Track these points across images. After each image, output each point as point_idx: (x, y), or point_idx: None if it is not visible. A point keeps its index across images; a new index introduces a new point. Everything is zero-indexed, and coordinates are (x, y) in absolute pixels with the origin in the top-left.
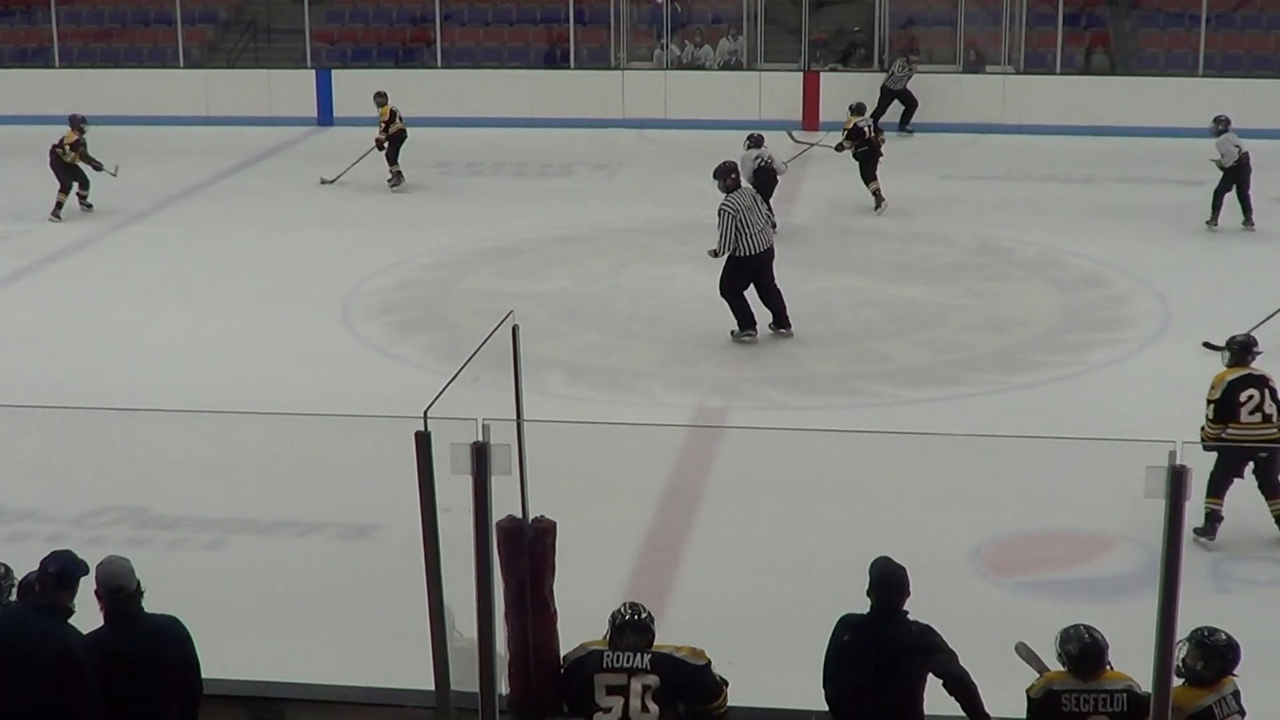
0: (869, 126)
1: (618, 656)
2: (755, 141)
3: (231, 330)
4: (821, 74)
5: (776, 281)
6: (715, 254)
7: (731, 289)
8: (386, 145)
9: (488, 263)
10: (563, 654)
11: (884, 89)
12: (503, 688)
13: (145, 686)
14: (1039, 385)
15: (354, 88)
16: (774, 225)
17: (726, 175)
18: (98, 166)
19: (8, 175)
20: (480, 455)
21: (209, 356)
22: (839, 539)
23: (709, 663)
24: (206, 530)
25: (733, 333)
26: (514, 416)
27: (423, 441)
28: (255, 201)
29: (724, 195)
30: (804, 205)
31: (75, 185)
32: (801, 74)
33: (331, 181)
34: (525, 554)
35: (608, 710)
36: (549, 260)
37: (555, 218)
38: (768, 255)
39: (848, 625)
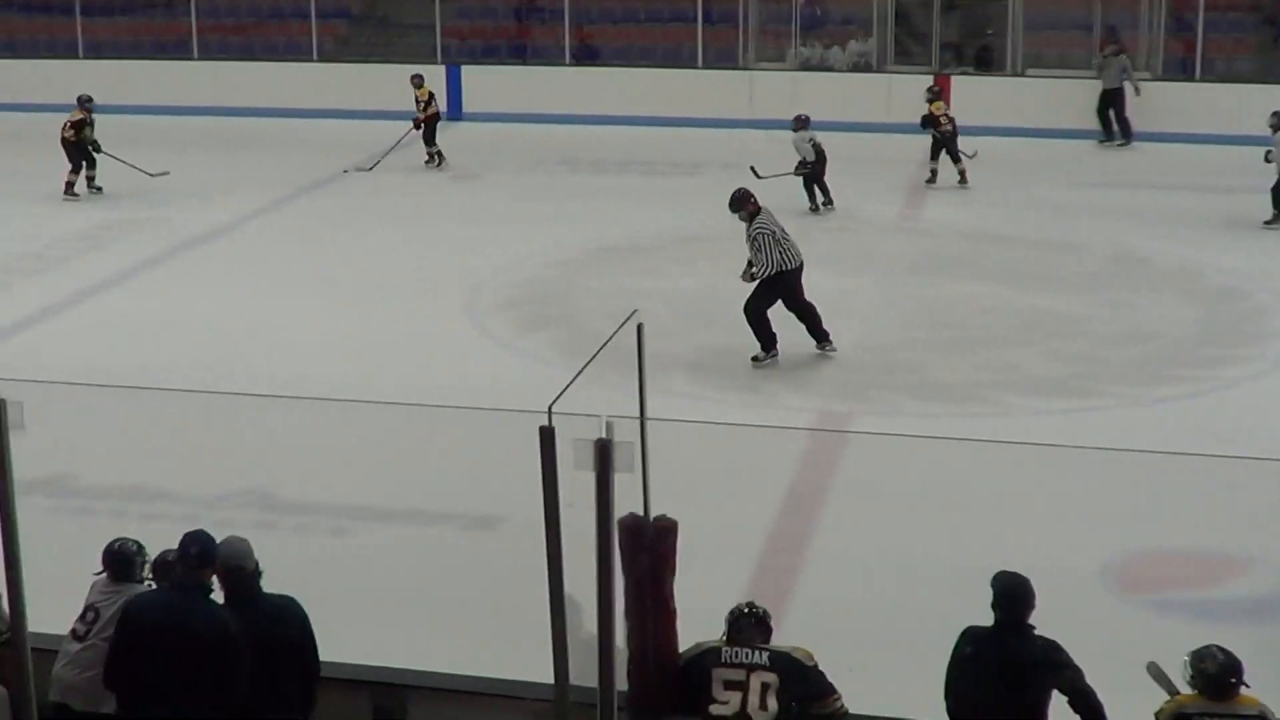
0: (946, 115)
1: (736, 652)
2: (804, 122)
3: (359, 321)
4: (952, 77)
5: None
6: (754, 276)
7: (759, 309)
8: (423, 128)
9: (614, 260)
10: (680, 653)
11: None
12: (621, 684)
13: (262, 666)
14: (1173, 400)
15: (483, 84)
16: None
17: (745, 203)
18: (96, 148)
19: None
20: (604, 452)
21: (337, 346)
22: (962, 549)
23: (816, 664)
24: (332, 517)
25: (756, 358)
26: (637, 414)
27: (547, 436)
28: (385, 195)
29: (748, 223)
30: (933, 209)
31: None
32: (931, 77)
33: (369, 170)
34: (646, 552)
35: (724, 704)
36: (675, 259)
37: (682, 217)
38: (801, 269)
39: (971, 637)
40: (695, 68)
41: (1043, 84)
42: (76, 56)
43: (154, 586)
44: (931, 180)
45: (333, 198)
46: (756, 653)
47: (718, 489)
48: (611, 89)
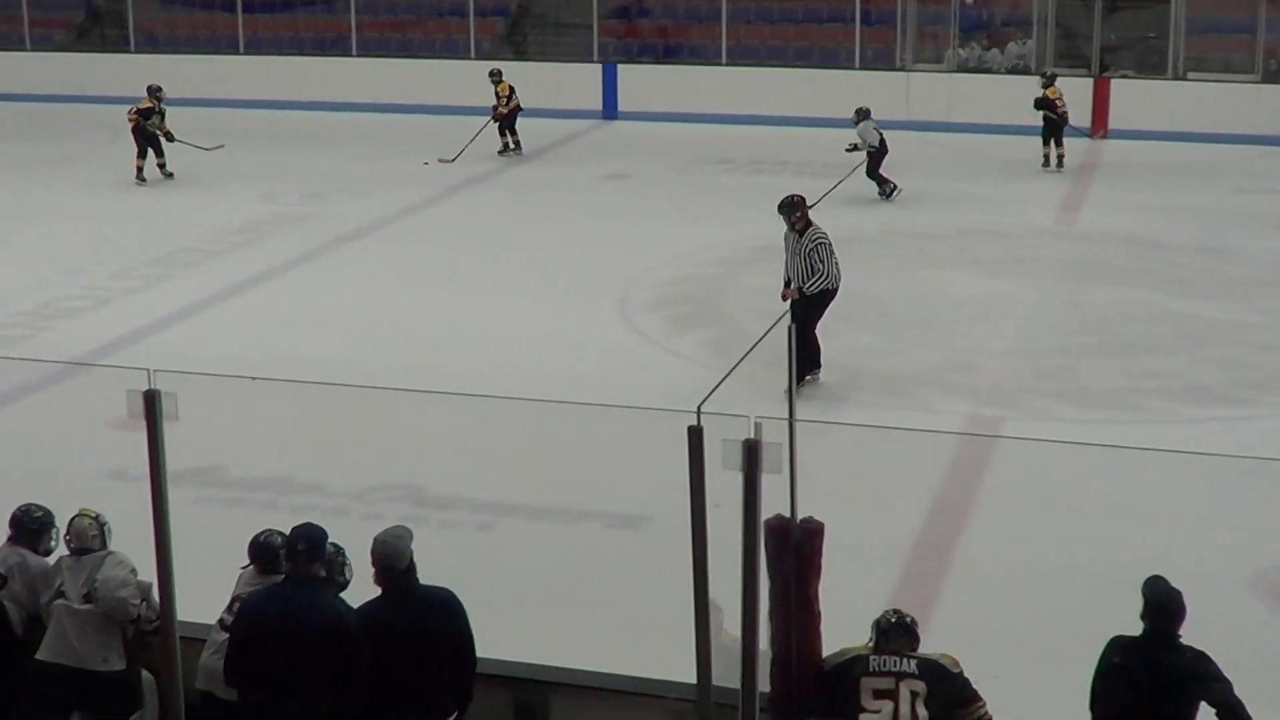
0: (1061, 99)
1: (884, 661)
2: (865, 114)
3: (510, 317)
4: (1112, 80)
5: None
6: (800, 292)
7: (811, 328)
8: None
9: (766, 260)
10: (823, 657)
11: None
12: (764, 686)
13: (419, 659)
14: None
15: (638, 82)
16: None
17: (795, 210)
18: (169, 138)
19: (307, 159)
20: (752, 452)
21: (488, 342)
22: (1110, 557)
23: (962, 670)
24: (479, 512)
25: (805, 379)
26: (786, 415)
27: (695, 436)
28: (540, 192)
29: (799, 233)
30: (1090, 214)
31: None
32: (1092, 80)
33: (451, 161)
34: (792, 554)
35: (875, 712)
36: None
37: (835, 218)
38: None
39: (1119, 647)
40: (852, 68)
41: (1205, 88)
42: (237, 52)
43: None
44: (1047, 165)
45: (486, 195)
46: (905, 661)
47: (865, 492)
48: (767, 89)
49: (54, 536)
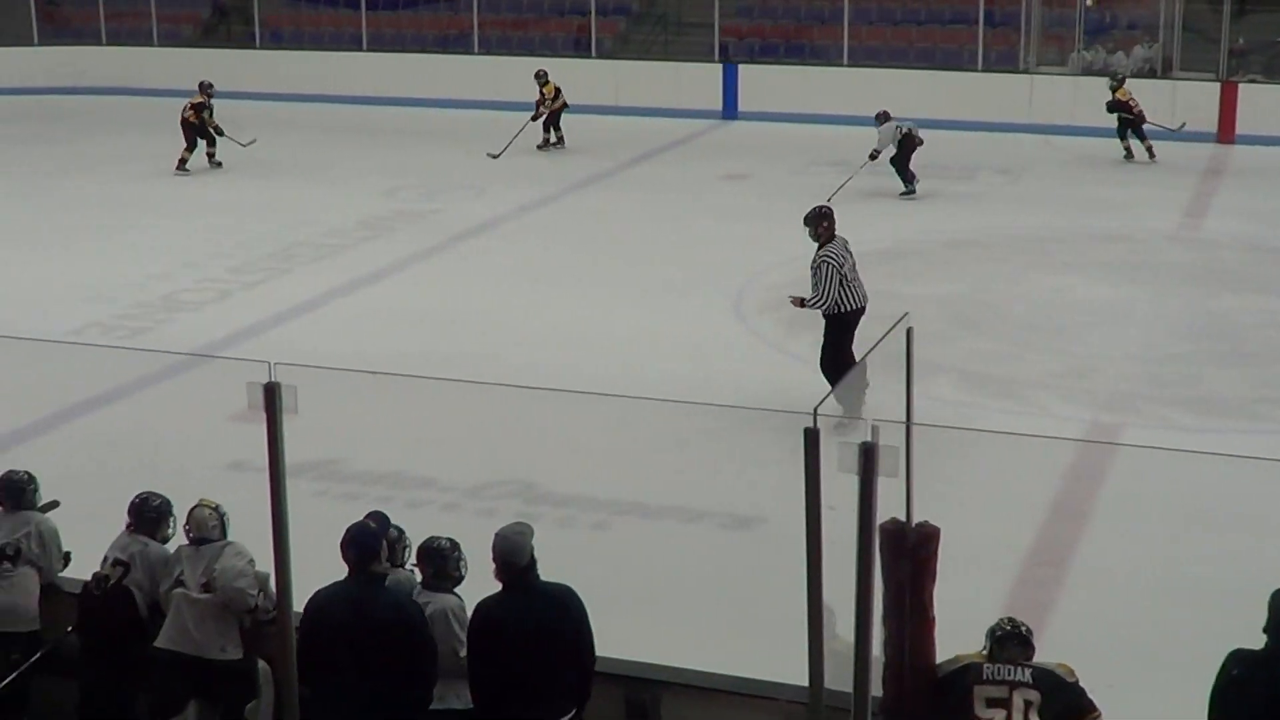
0: (1133, 99)
1: (998, 669)
2: (885, 116)
3: (626, 316)
4: (1240, 84)
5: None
6: (803, 304)
7: (837, 360)
8: (545, 116)
9: (883, 263)
10: (937, 663)
11: None
12: (876, 691)
13: (538, 655)
14: None
15: (759, 82)
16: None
17: (820, 222)
18: (218, 131)
19: (427, 156)
20: (868, 455)
21: (603, 341)
22: (1232, 570)
23: (1077, 680)
24: (594, 510)
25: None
26: (903, 419)
27: (811, 438)
28: (657, 192)
29: (818, 246)
30: (1215, 219)
31: (204, 143)
32: (1219, 84)
33: (496, 156)
34: (907, 558)
35: None
36: (945, 263)
37: (954, 221)
38: (863, 312)
39: (1239, 660)
40: (975, 70)
41: None
42: (360, 49)
43: (414, 570)
44: (1130, 157)
45: (604, 193)
46: (1019, 669)
47: (981, 498)
48: (887, 90)
49: (172, 524)
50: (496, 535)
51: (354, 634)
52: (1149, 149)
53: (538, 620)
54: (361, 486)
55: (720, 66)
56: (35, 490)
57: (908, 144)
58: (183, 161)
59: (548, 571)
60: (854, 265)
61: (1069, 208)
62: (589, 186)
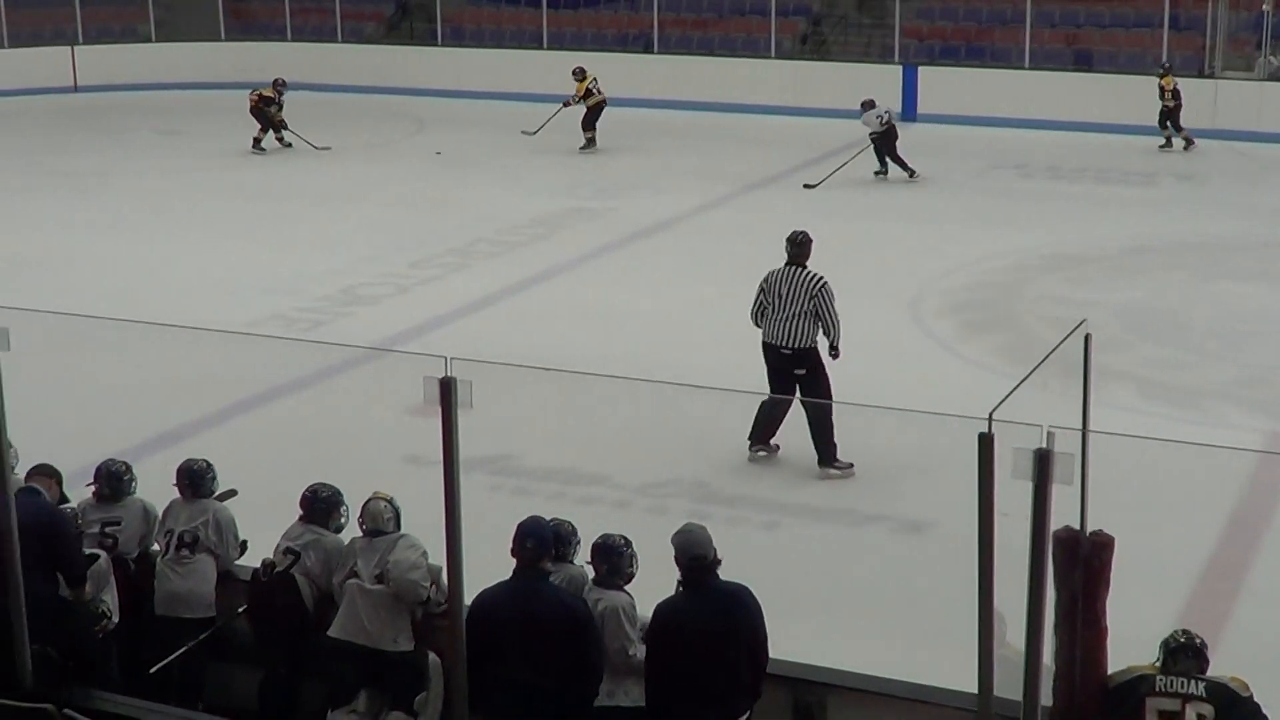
0: (1173, 90)
1: (1171, 681)
2: (869, 104)
3: None
4: None
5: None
6: (835, 353)
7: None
8: (584, 111)
9: (1062, 268)
10: (1108, 673)
11: None
12: (1046, 700)
13: (718, 655)
14: None
15: (939, 84)
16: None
17: (809, 246)
18: (283, 125)
19: (605, 154)
20: (1043, 462)
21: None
22: None
23: (1251, 694)
24: (764, 511)
25: (837, 465)
26: (1079, 426)
27: (986, 444)
28: (835, 193)
29: (808, 272)
30: None
31: (271, 130)
32: None
33: (533, 134)
34: (1080, 567)
35: None
36: (1125, 270)
37: (1134, 226)
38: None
39: None
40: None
41: None
42: (540, 47)
43: (586, 566)
44: (1167, 145)
45: (781, 194)
46: (1192, 682)
47: (1157, 508)
48: (1068, 93)
49: (344, 515)
50: (681, 532)
51: (520, 631)
52: (1186, 140)
53: (719, 620)
54: (534, 482)
55: (900, 68)
56: (213, 479)
57: (891, 132)
58: (257, 141)
59: (720, 571)
60: None
61: (1252, 214)
62: (765, 187)
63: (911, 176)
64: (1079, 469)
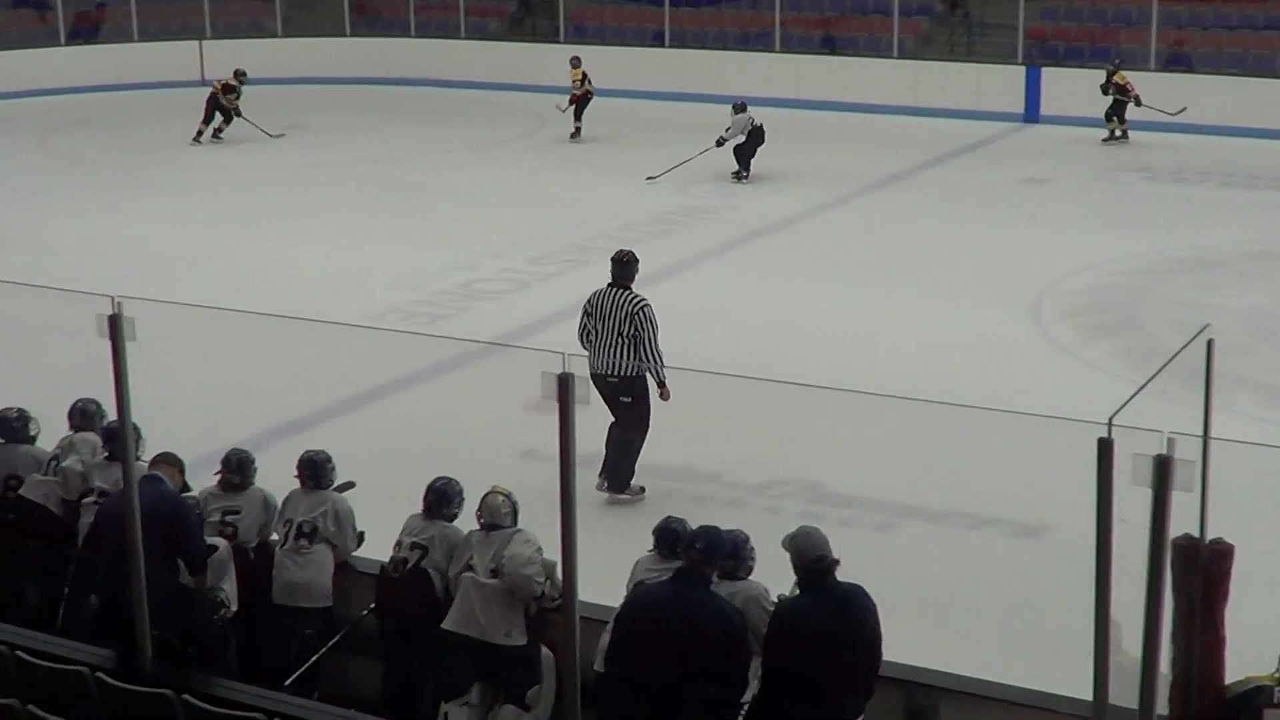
0: (1129, 84)
1: None
2: (741, 107)
3: (918, 318)
4: None
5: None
6: (662, 388)
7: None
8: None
9: (1186, 272)
10: (1226, 683)
11: None
12: (1162, 709)
13: (837, 654)
14: None
15: (1062, 86)
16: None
17: (636, 266)
18: (237, 112)
19: (724, 153)
20: (1163, 469)
21: (894, 343)
22: None
23: None
24: (878, 512)
25: (628, 490)
26: (1200, 433)
27: (1105, 449)
28: (954, 194)
29: (632, 294)
30: None
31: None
32: None
33: (564, 111)
34: (1199, 575)
35: None
36: (1249, 275)
37: (1261, 230)
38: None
39: None
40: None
41: None
42: (662, 45)
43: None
44: (1116, 136)
45: (900, 194)
46: None
47: (1278, 516)
48: (1196, 96)
49: (460, 506)
50: (799, 535)
51: (676, 634)
52: (1124, 132)
53: (838, 621)
54: (649, 479)
55: (1023, 69)
56: (333, 470)
57: (756, 136)
58: (199, 133)
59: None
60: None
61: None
62: (886, 187)
63: (740, 177)
64: (1199, 476)
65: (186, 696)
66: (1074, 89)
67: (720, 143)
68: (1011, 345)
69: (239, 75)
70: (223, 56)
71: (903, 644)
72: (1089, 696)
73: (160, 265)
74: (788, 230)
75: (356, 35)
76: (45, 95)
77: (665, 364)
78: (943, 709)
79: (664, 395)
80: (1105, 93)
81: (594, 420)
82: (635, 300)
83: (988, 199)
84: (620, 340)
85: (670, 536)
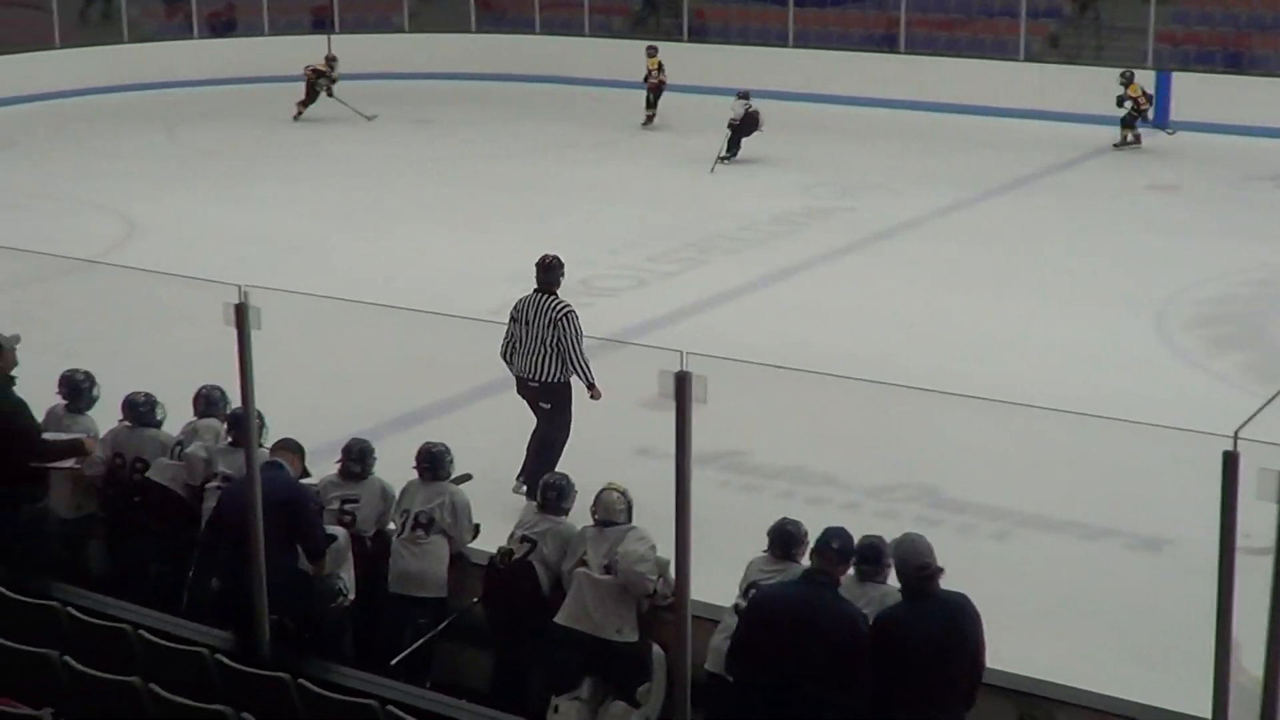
0: (1144, 95)
1: None
2: (744, 95)
3: (1040, 324)
4: None
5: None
6: (592, 389)
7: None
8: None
9: None
10: None
11: None
12: None
13: (941, 662)
14: None
15: (1194, 91)
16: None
17: (561, 270)
18: (329, 93)
19: (846, 154)
20: None
21: (1015, 349)
22: None
23: None
24: (996, 520)
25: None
26: None
27: (1230, 463)
28: (1079, 199)
29: (556, 301)
30: None
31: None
32: None
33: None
34: None
35: None
36: None
37: None
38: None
39: None
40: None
41: None
42: (786, 45)
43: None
44: (1131, 143)
45: (1023, 199)
46: None
47: None
48: None
49: (572, 501)
50: (904, 542)
51: (802, 636)
52: (1137, 139)
53: (943, 629)
54: (764, 479)
55: (1153, 73)
56: (451, 462)
57: (750, 121)
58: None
59: (948, 579)
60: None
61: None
62: (1009, 191)
63: (727, 158)
64: None
65: (302, 681)
66: (1204, 94)
67: (731, 125)
68: (1135, 354)
69: (330, 60)
70: (351, 51)
71: (1017, 654)
72: (1207, 715)
73: (287, 255)
74: (909, 233)
75: (482, 32)
76: (176, 88)
77: (786, 365)
78: None
79: (594, 396)
80: (1120, 105)
81: (710, 418)
82: (559, 307)
83: (1114, 205)
84: (543, 348)
85: (785, 538)
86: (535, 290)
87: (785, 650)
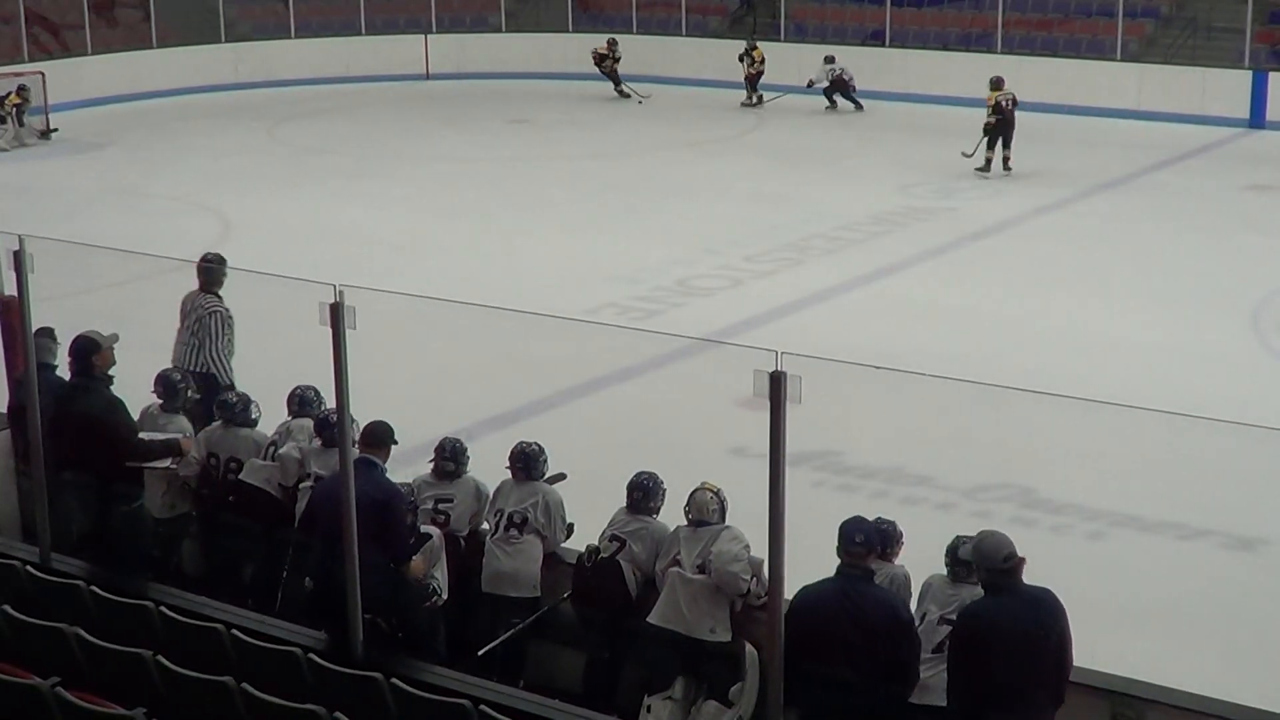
0: (1009, 100)
1: None
2: (830, 60)
3: (1134, 324)
4: None
5: None
6: (230, 390)
7: None
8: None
9: None
10: None
11: None
12: None
13: (1025, 659)
14: None
15: None
16: None
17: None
18: (614, 78)
19: (942, 154)
20: None
21: (1109, 347)
22: None
23: None
24: (1091, 520)
25: None
26: None
27: None
28: (1176, 199)
29: (210, 299)
30: None
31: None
32: None
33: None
34: None
35: None
36: None
37: None
38: None
39: None
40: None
41: None
42: (883, 44)
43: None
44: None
45: (1120, 199)
46: None
47: None
48: None
49: (662, 500)
50: (983, 539)
51: (843, 629)
52: (1005, 159)
53: (1027, 624)
54: (858, 479)
55: (1250, 73)
56: (545, 462)
57: (839, 84)
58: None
59: (1040, 577)
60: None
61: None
62: (1106, 191)
63: (858, 108)
64: None
65: (395, 681)
66: None
67: (810, 84)
68: (1231, 354)
69: (611, 44)
70: (447, 51)
71: (1110, 653)
72: None
73: (387, 254)
74: (1007, 233)
75: (579, 31)
76: (275, 87)
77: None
78: None
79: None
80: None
81: (804, 418)
82: (207, 304)
83: (1210, 205)
84: (191, 339)
85: (881, 539)
86: (197, 287)
87: (831, 645)
